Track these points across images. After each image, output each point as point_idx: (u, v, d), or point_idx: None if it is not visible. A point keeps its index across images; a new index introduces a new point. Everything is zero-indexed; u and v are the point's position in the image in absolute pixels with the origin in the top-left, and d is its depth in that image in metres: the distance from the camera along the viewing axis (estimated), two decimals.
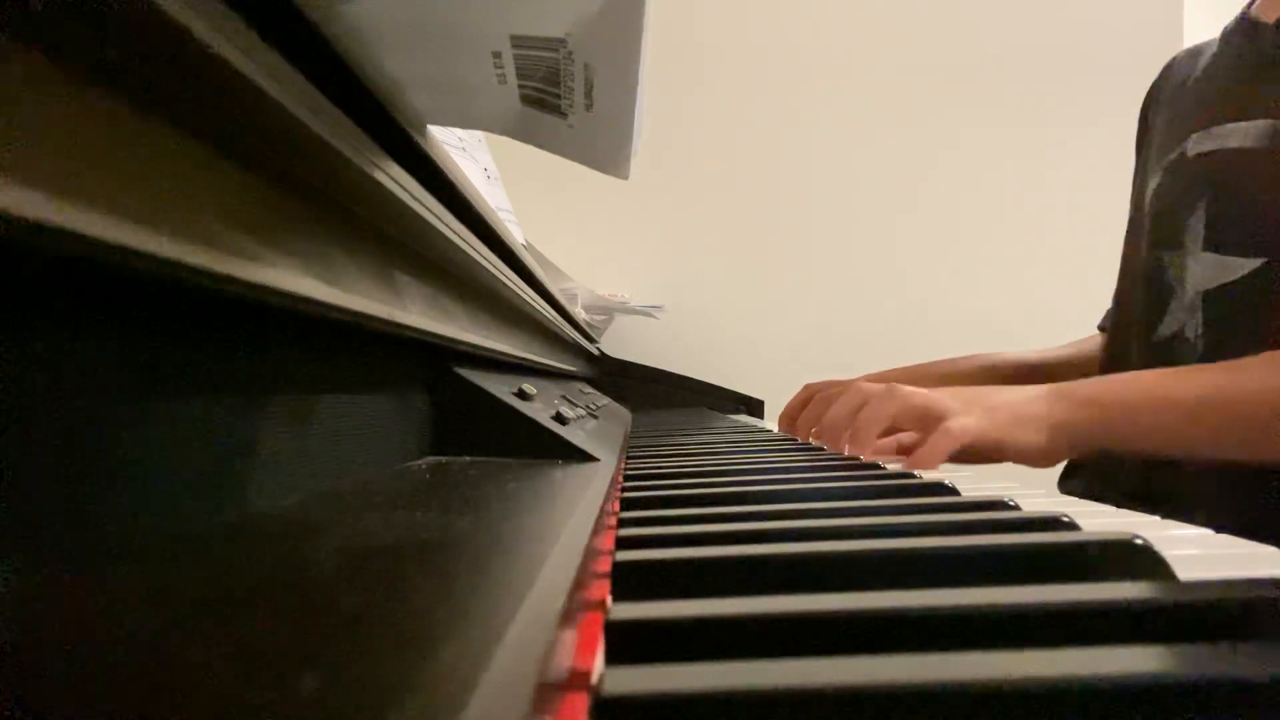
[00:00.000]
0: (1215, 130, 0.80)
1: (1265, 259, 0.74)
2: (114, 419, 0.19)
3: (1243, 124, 0.77)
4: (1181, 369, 0.72)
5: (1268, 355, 0.67)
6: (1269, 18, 0.81)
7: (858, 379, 0.98)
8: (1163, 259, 0.84)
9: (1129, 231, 0.96)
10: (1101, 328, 1.06)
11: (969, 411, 0.64)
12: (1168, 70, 0.98)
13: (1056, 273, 1.75)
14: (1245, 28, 0.84)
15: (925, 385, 0.76)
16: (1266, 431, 0.65)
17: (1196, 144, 0.81)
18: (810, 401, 0.84)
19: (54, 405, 0.18)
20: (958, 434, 0.61)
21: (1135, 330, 0.88)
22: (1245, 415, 0.66)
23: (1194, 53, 0.94)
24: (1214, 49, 0.89)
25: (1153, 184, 0.88)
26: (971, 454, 0.64)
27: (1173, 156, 0.85)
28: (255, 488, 0.26)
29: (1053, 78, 1.83)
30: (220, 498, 0.24)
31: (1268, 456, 0.67)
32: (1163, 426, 0.68)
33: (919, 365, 1.05)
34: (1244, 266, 0.75)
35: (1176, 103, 0.91)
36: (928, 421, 0.63)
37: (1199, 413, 0.67)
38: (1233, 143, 0.78)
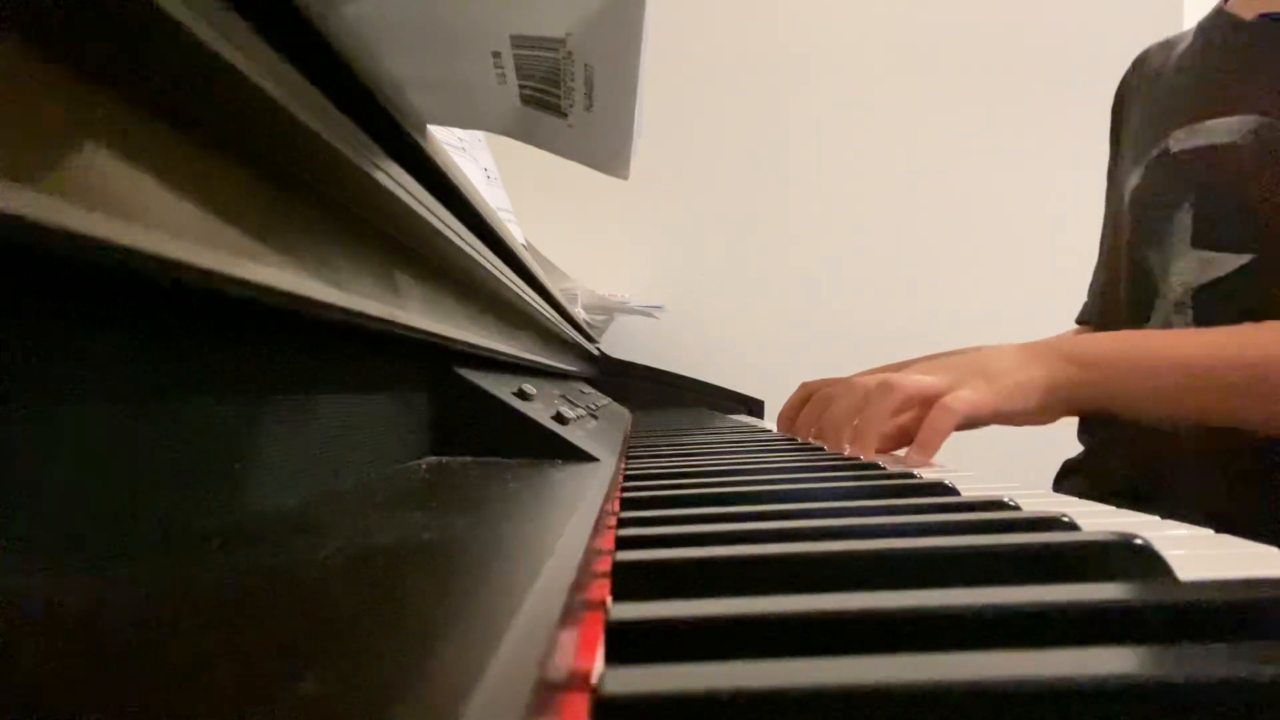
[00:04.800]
0: (1199, 126, 0.79)
1: (1253, 254, 0.74)
2: (114, 419, 0.19)
3: (1227, 119, 0.77)
4: (1182, 330, 0.72)
5: (1273, 323, 0.67)
6: (1247, 13, 0.81)
7: (855, 376, 0.98)
8: (1147, 257, 0.84)
9: (1108, 227, 0.96)
10: (1081, 320, 1.05)
11: (967, 382, 0.64)
12: (1140, 63, 0.97)
13: (1057, 271, 1.75)
14: (1223, 23, 0.84)
15: None
16: (1270, 395, 0.65)
17: (1180, 141, 0.81)
18: (808, 400, 0.84)
19: (54, 405, 0.18)
20: (957, 409, 0.61)
21: (1121, 328, 0.88)
22: (1249, 378, 0.65)
23: (1167, 45, 0.94)
24: (1187, 41, 0.89)
25: (1133, 181, 0.87)
26: (972, 422, 0.64)
27: (1155, 154, 0.84)
28: (255, 488, 0.26)
29: (1053, 77, 1.83)
30: (220, 498, 0.24)
31: (1269, 421, 0.66)
32: (1164, 388, 0.67)
33: (900, 364, 1.05)
34: (1232, 262, 0.75)
35: (1152, 97, 0.91)
36: (927, 406, 0.63)
37: (1202, 374, 0.66)
38: (1218, 139, 0.78)
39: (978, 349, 0.73)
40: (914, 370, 0.67)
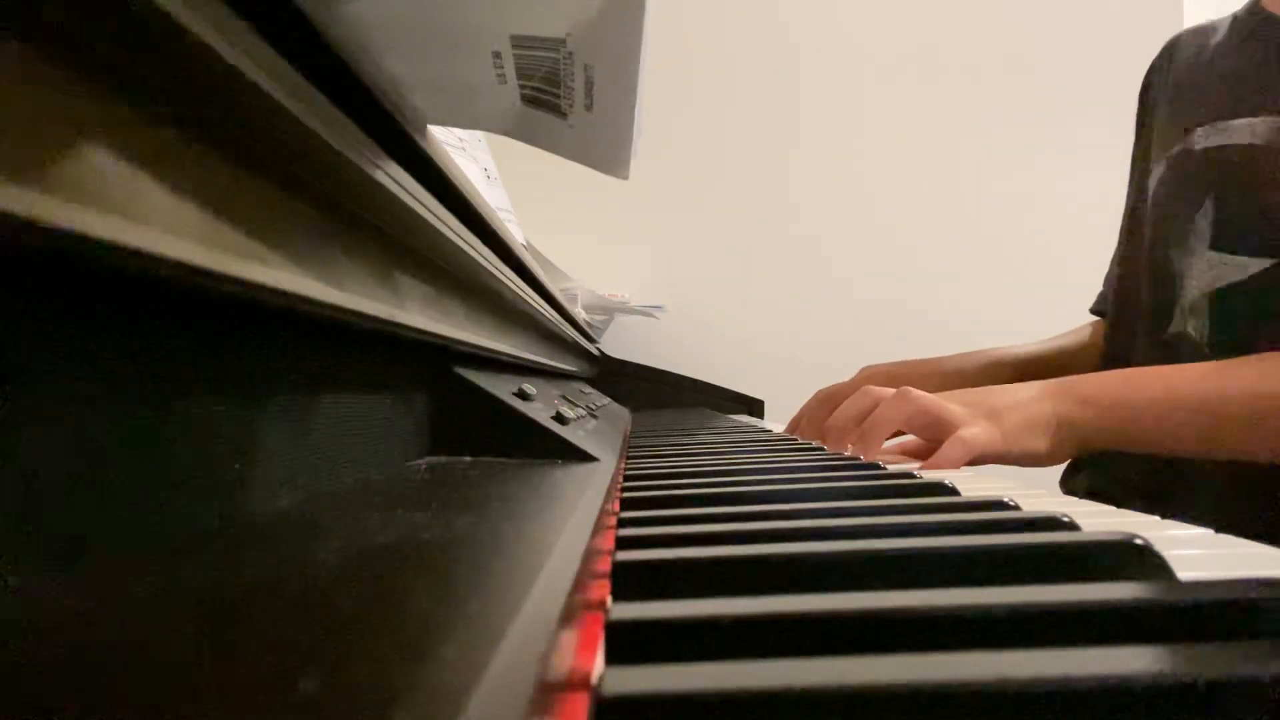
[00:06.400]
0: (1223, 125, 0.78)
1: (1274, 260, 0.73)
2: (114, 419, 0.19)
3: (1252, 120, 0.76)
4: (1187, 365, 0.72)
5: (1275, 354, 0.67)
6: None
7: (862, 371, 0.98)
8: (1168, 256, 0.82)
9: (1129, 220, 0.94)
10: (1097, 311, 1.04)
11: (976, 420, 0.64)
12: (1171, 49, 0.95)
13: (1059, 271, 1.75)
14: (1258, 20, 0.82)
15: (928, 382, 0.75)
16: (1274, 429, 0.65)
17: (1204, 138, 0.80)
18: (822, 406, 0.84)
19: (54, 405, 0.18)
20: (972, 446, 0.61)
21: (1139, 328, 0.87)
22: (1252, 413, 0.65)
23: (1200, 33, 0.91)
24: (1222, 33, 0.87)
25: (1156, 175, 0.86)
26: (978, 461, 0.64)
27: (1178, 149, 0.83)
28: (255, 488, 0.26)
29: (1053, 74, 1.83)
30: (221, 498, 0.24)
31: (1275, 454, 0.67)
32: (1168, 425, 0.67)
33: (921, 360, 1.04)
34: (1252, 266, 0.74)
35: (1181, 88, 0.89)
36: (938, 429, 0.63)
37: (1205, 411, 0.66)
38: (1242, 138, 0.76)
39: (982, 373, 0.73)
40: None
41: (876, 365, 1.01)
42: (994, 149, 1.85)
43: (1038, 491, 0.43)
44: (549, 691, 0.14)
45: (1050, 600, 0.21)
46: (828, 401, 0.80)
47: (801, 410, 0.89)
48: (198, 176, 0.20)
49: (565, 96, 0.31)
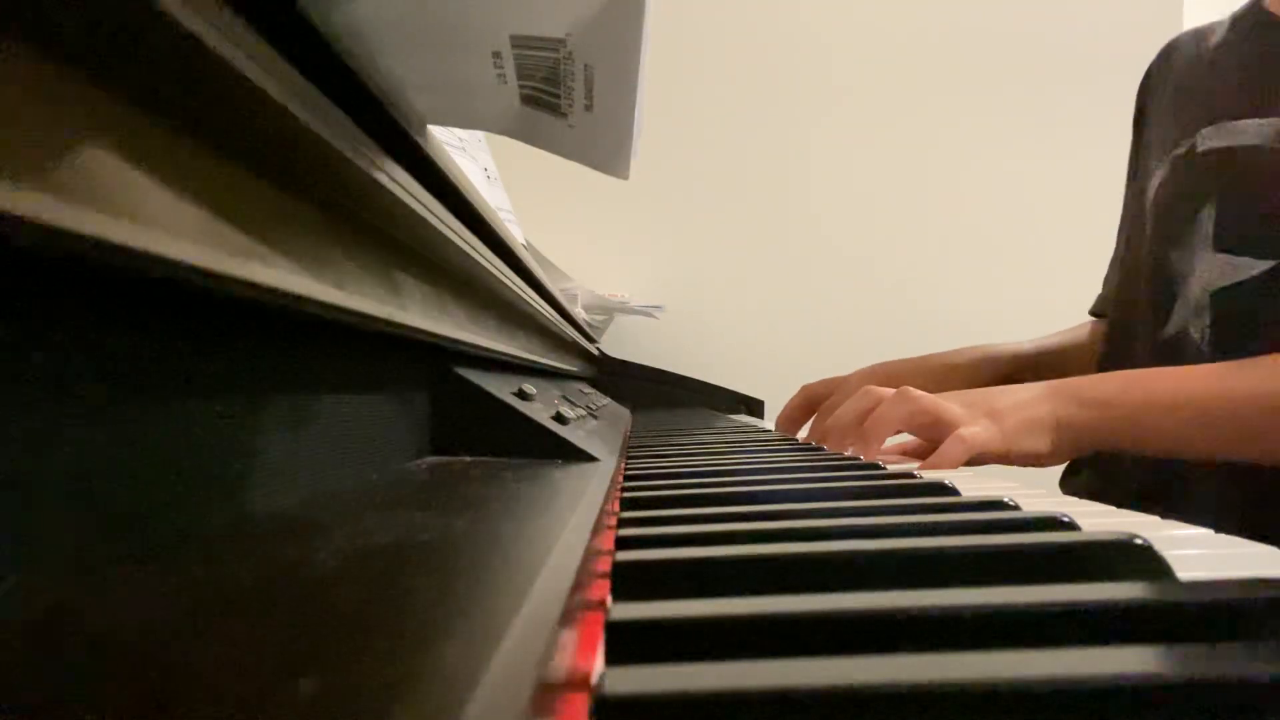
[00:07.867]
0: (1227, 126, 0.78)
1: (1275, 261, 0.73)
2: (114, 419, 0.19)
3: (1257, 121, 0.76)
4: (1189, 367, 0.72)
5: (1277, 356, 0.67)
6: None
7: (858, 371, 0.98)
8: (1169, 256, 0.82)
9: (1128, 222, 0.94)
10: (1096, 313, 1.04)
11: (976, 419, 0.64)
12: (1169, 51, 0.95)
13: (1058, 272, 1.75)
14: (1258, 21, 0.82)
15: (923, 377, 0.75)
16: (1275, 432, 0.65)
17: (1207, 139, 0.79)
18: (807, 402, 0.84)
19: (54, 405, 0.18)
20: (972, 444, 0.61)
21: (1139, 328, 0.87)
22: (1254, 416, 0.65)
23: (1198, 35, 0.91)
24: (1221, 34, 0.87)
25: (1158, 177, 0.86)
26: (979, 459, 0.64)
27: (1180, 150, 0.83)
28: (255, 488, 0.26)
29: (1053, 75, 1.83)
30: (220, 498, 0.24)
31: (1276, 457, 0.67)
32: (1169, 427, 0.67)
33: (917, 358, 1.04)
34: (1254, 268, 0.74)
35: (1181, 90, 0.89)
36: (938, 428, 0.63)
37: (1207, 413, 0.66)
38: (1246, 140, 0.76)
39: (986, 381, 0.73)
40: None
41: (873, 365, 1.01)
42: (994, 150, 1.85)
43: (1038, 491, 0.43)
44: (549, 691, 0.14)
45: (1050, 600, 0.21)
46: (815, 398, 0.81)
47: (789, 407, 0.89)
48: (198, 176, 0.20)
49: (565, 96, 0.31)
